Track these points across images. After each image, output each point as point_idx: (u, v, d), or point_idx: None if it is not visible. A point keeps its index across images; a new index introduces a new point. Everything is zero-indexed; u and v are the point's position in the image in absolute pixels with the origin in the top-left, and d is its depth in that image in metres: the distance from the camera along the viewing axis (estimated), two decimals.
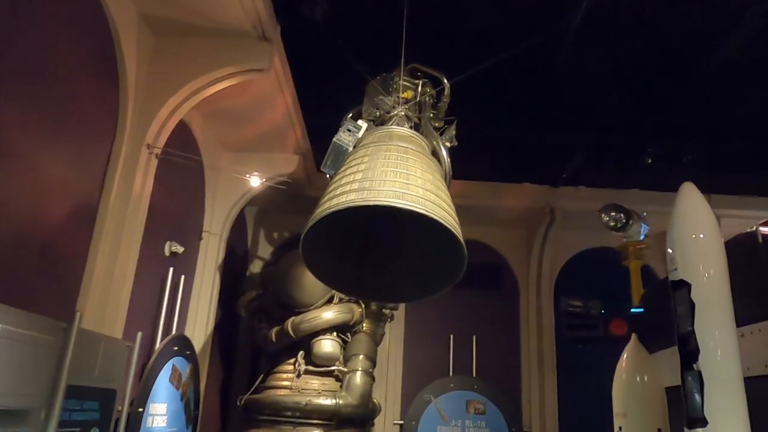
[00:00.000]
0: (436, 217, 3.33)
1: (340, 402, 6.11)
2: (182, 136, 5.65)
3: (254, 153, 6.74)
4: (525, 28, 5.61)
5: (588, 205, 8.24)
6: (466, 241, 3.17)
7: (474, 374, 8.01)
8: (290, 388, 6.34)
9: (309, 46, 5.73)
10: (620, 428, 3.89)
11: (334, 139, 3.89)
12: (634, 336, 4.05)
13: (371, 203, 3.27)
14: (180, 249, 5.50)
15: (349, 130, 3.94)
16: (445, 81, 4.36)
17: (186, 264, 5.91)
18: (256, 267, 8.39)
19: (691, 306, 3.05)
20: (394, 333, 8.03)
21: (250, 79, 5.15)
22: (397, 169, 3.51)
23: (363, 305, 6.80)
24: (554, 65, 6.52)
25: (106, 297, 4.20)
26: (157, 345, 4.98)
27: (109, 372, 3.71)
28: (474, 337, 8.19)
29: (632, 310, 5.93)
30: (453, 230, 3.39)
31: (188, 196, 6.06)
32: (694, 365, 3.03)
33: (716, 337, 2.99)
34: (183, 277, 5.58)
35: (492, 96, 7.06)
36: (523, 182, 8.29)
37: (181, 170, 5.73)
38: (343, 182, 3.56)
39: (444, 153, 4.06)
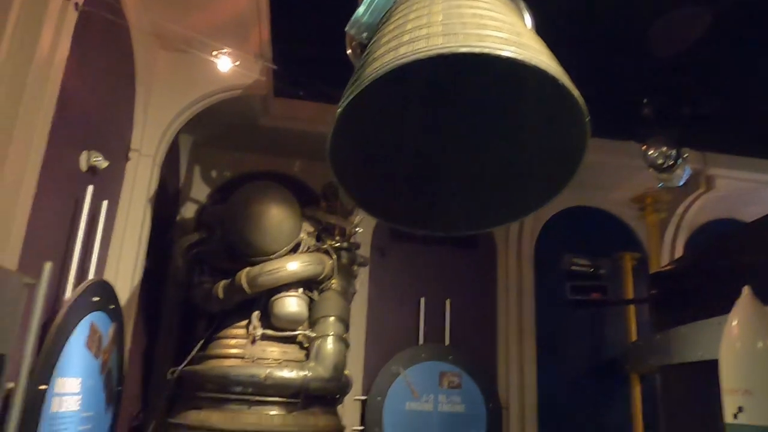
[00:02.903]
0: (563, 81, 2.11)
1: (309, 375, 4.82)
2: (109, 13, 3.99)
3: (198, 54, 5.07)
4: None
5: None
6: None
7: (447, 343, 6.96)
8: (242, 358, 4.95)
9: None
10: (740, 408, 2.91)
11: None
12: (747, 289, 3.05)
13: (477, 51, 1.98)
14: (103, 163, 3.88)
15: None
16: None
17: (109, 187, 4.28)
18: (188, 211, 6.78)
19: None
20: (357, 294, 6.74)
21: None
22: (494, 13, 2.24)
23: (335, 256, 5.49)
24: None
25: None
26: (68, 293, 3.41)
27: None
28: (448, 301, 7.12)
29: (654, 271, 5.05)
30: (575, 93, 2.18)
31: (113, 94, 4.38)
32: None
33: None
34: (105, 203, 3.98)
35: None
36: None
37: (106, 52, 4.09)
38: (408, 27, 2.23)
39: (529, 18, 2.84)
